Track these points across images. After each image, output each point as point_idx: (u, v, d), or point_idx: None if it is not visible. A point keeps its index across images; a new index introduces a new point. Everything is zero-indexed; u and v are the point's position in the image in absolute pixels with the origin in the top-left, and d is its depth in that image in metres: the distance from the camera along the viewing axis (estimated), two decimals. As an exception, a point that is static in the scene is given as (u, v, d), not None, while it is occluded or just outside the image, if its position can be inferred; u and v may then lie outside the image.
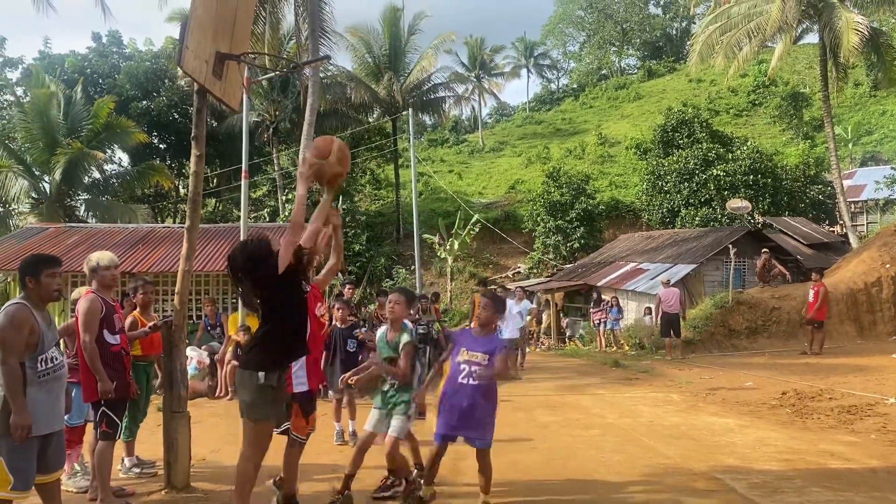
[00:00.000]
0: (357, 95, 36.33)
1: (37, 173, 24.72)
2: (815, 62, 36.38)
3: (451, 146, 68.16)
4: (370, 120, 40.21)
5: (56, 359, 4.35)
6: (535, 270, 37.03)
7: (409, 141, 28.26)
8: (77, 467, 5.94)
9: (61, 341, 6.06)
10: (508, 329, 13.90)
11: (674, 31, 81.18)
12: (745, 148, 33.01)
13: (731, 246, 19.48)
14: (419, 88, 40.39)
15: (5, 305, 4.27)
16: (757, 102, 54.23)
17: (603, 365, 15.40)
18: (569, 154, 53.16)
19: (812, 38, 29.54)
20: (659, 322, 16.79)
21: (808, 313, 15.82)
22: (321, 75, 30.95)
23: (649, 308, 20.59)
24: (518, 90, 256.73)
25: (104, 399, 5.19)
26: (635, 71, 79.10)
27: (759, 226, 28.21)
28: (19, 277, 4.45)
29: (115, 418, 5.24)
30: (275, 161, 34.08)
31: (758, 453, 6.84)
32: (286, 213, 29.98)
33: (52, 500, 4.41)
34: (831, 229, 30.79)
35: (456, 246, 30.69)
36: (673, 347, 16.27)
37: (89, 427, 5.77)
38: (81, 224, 21.17)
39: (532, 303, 16.21)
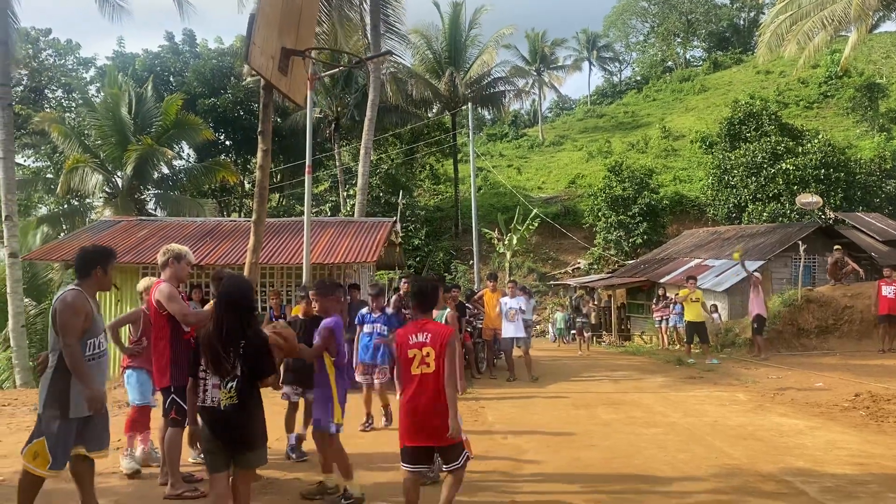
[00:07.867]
0: (417, 91, 36.59)
1: (109, 168, 25.63)
2: (893, 51, 34.93)
3: (510, 141, 67.89)
4: (430, 115, 40.38)
5: (101, 345, 4.58)
6: (595, 266, 36.59)
7: (468, 136, 28.26)
8: (142, 447, 6.20)
9: (125, 328, 6.36)
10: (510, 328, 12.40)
11: (741, 22, 79.01)
12: (815, 141, 31.97)
13: (800, 242, 18.86)
14: (479, 83, 40.35)
15: (61, 291, 4.46)
16: (828, 94, 52.28)
17: (666, 363, 15.10)
18: (631, 148, 52.33)
19: (889, 26, 28.29)
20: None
21: (881, 311, 15.29)
22: (391, 69, 31.21)
23: (715, 305, 20.11)
24: (579, 83, 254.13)
25: (175, 386, 5.33)
26: (701, 63, 77.32)
27: (831, 221, 27.24)
28: (86, 265, 4.56)
29: (184, 406, 5.35)
30: (336, 157, 34.54)
31: (830, 456, 6.59)
32: (348, 209, 30.35)
33: (85, 481, 4.60)
34: (909, 225, 29.49)
35: (514, 241, 30.54)
36: (751, 346, 15.97)
37: (157, 413, 5.96)
38: (152, 217, 21.88)
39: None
